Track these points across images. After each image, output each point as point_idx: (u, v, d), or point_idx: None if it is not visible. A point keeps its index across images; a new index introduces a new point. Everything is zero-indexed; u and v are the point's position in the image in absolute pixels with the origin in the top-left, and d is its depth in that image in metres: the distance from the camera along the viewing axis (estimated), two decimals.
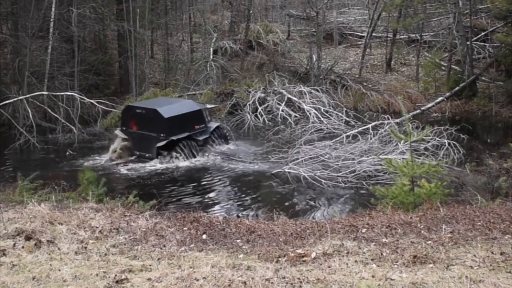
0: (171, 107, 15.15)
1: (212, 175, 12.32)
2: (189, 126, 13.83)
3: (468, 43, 21.72)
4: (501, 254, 4.08)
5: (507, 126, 18.15)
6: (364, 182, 10.52)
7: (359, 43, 30.11)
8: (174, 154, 13.50)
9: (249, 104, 19.74)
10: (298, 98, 20.11)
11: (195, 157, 13.77)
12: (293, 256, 4.21)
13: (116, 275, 3.83)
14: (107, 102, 16.45)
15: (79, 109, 16.18)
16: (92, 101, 15.80)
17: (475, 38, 23.89)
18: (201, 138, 14.04)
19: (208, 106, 16.32)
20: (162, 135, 13.30)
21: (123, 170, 12.91)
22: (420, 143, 11.97)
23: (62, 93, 16.42)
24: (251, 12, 28.73)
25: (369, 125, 14.50)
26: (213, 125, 14.85)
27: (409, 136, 7.65)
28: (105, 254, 4.39)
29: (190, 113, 14.16)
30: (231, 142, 15.13)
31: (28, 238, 4.70)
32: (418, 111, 19.34)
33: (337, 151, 12.63)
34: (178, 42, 28.28)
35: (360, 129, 14.61)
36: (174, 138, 13.28)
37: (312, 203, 10.05)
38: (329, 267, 3.95)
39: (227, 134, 15.28)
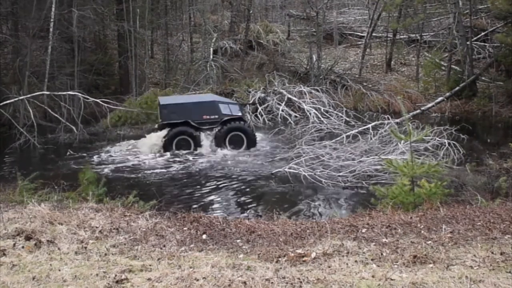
0: (176, 97, 16.88)
1: (212, 175, 12.31)
2: (192, 115, 14.35)
3: (468, 43, 21.72)
4: (501, 254, 4.08)
5: (507, 126, 18.14)
6: (364, 182, 10.51)
7: (359, 43, 30.11)
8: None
9: (249, 104, 19.75)
10: (298, 98, 20.13)
11: (197, 145, 14.12)
12: (293, 256, 4.21)
13: (116, 275, 3.83)
14: (112, 101, 16.46)
15: (82, 108, 16.16)
16: (97, 100, 15.79)
17: (475, 38, 23.89)
18: (206, 127, 14.39)
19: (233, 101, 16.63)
20: (160, 120, 14.49)
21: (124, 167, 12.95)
22: (420, 143, 11.97)
23: (64, 93, 16.40)
24: (251, 12, 28.73)
25: (369, 125, 14.50)
26: (228, 117, 14.67)
27: (409, 136, 7.64)
28: (105, 254, 4.39)
29: (195, 103, 14.82)
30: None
31: (28, 238, 4.69)
32: (418, 111, 19.35)
33: (337, 151, 12.63)
34: (178, 42, 28.28)
35: (360, 129, 14.61)
36: (164, 122, 14.24)
37: (312, 203, 10.04)
38: (329, 267, 3.95)
39: (250, 129, 14.92)
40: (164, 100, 15.10)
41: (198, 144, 14.15)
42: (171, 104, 14.59)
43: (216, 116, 14.48)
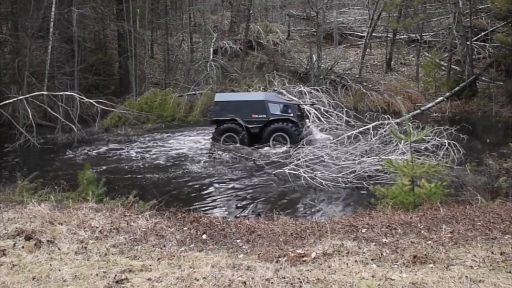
0: (231, 94, 17.78)
1: (212, 175, 12.32)
2: (241, 113, 14.68)
3: (468, 43, 21.73)
4: (501, 254, 4.08)
5: (507, 126, 18.15)
6: (364, 182, 10.51)
7: (359, 43, 30.11)
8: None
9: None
10: (298, 98, 20.11)
11: (243, 143, 14.42)
12: (293, 256, 4.21)
13: (116, 275, 3.83)
14: (106, 102, 16.43)
15: (78, 109, 16.16)
16: (91, 100, 15.77)
17: (475, 38, 23.91)
18: (250, 126, 14.59)
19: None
20: (213, 115, 15.43)
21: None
22: (420, 143, 11.96)
23: (62, 93, 16.39)
24: (251, 12, 28.74)
25: (370, 125, 14.48)
26: (275, 117, 14.70)
27: (409, 136, 7.64)
28: (105, 254, 4.39)
29: (246, 102, 15.17)
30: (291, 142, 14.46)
31: (28, 238, 4.69)
32: (418, 111, 19.34)
33: (337, 152, 12.63)
34: (178, 42, 28.30)
35: (361, 129, 14.60)
36: (214, 118, 15.01)
37: (312, 203, 10.03)
38: (329, 267, 3.94)
39: (293, 130, 14.62)
40: (219, 96, 15.77)
41: (243, 141, 14.44)
42: (223, 101, 15.13)
43: (264, 116, 14.69)
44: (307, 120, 16.34)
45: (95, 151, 15.06)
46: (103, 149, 15.37)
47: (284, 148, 14.05)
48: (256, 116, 14.70)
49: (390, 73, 26.74)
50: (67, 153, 14.68)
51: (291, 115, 14.88)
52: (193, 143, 16.13)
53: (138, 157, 14.29)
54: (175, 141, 16.58)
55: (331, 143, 13.68)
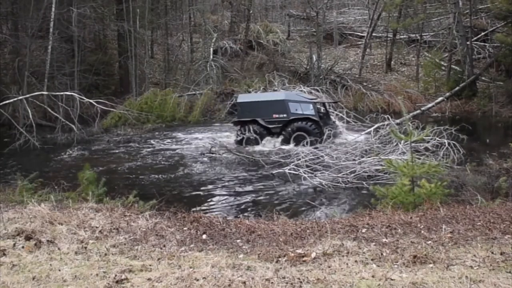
0: (253, 95, 17.97)
1: (212, 175, 12.32)
2: (263, 113, 14.78)
3: (468, 43, 21.73)
4: (501, 254, 4.08)
5: (507, 126, 18.14)
6: (364, 182, 10.50)
7: (359, 43, 30.12)
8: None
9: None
10: None
11: (257, 143, 14.61)
12: (293, 256, 4.21)
13: (116, 275, 3.82)
14: (106, 102, 16.43)
15: (78, 109, 16.15)
16: (91, 100, 15.77)
17: (475, 38, 23.92)
18: (271, 126, 14.68)
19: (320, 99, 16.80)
20: (236, 117, 15.70)
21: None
22: (420, 143, 11.96)
23: (62, 93, 16.39)
24: (251, 12, 28.75)
25: (371, 128, 14.50)
26: (295, 116, 14.63)
27: (409, 136, 7.64)
28: (105, 254, 4.39)
29: (267, 102, 15.16)
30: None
31: (28, 238, 4.69)
32: (418, 111, 19.35)
33: (337, 152, 12.63)
34: (178, 42, 28.31)
35: (362, 133, 14.62)
36: (236, 119, 15.26)
37: (312, 203, 10.03)
38: (329, 267, 3.94)
39: (315, 130, 14.41)
40: (241, 97, 15.94)
41: (262, 141, 14.61)
42: (245, 102, 15.26)
43: (285, 115, 14.67)
44: (334, 120, 16.32)
45: (95, 151, 15.07)
46: (103, 149, 15.38)
47: (307, 147, 13.59)
48: (277, 116, 14.72)
49: (390, 73, 26.75)
50: (67, 153, 14.68)
51: (312, 113, 14.70)
52: (193, 142, 16.14)
53: (138, 157, 14.30)
54: (175, 141, 16.60)
55: (331, 143, 13.69)
